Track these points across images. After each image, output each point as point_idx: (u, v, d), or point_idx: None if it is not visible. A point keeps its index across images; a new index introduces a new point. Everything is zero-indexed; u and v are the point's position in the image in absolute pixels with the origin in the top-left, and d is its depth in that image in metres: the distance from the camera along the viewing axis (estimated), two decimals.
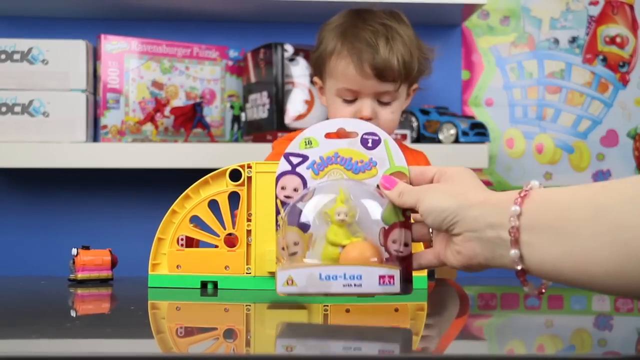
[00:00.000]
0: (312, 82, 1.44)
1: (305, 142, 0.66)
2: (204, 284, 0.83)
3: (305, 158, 0.66)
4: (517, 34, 1.74)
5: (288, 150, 0.66)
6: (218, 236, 0.83)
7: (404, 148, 1.28)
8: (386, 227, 0.63)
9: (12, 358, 0.51)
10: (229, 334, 0.61)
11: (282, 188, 0.66)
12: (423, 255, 0.63)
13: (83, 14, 1.61)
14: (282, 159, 0.66)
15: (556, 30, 1.74)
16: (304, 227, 0.64)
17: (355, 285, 0.61)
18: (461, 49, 1.72)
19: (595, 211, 0.49)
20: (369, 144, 0.65)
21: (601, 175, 1.74)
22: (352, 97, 1.25)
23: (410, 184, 0.64)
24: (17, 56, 1.45)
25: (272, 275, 0.82)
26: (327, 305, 0.74)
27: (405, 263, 0.63)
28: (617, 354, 0.57)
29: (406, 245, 0.63)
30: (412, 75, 1.29)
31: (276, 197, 0.65)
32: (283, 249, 0.64)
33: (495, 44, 1.73)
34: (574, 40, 1.74)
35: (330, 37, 1.29)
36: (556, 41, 1.74)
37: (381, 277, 0.61)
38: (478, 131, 1.51)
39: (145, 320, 0.69)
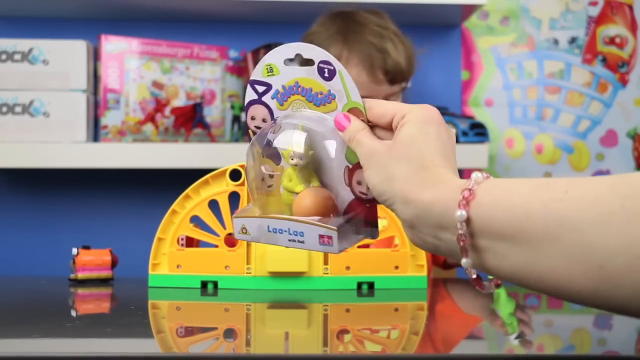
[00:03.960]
0: None
1: (267, 69, 0.61)
2: (204, 284, 0.83)
3: (269, 86, 0.61)
4: (516, 34, 1.74)
5: (252, 77, 0.61)
6: (218, 236, 0.83)
7: None
8: (350, 166, 0.58)
9: (12, 358, 0.51)
10: (229, 334, 0.62)
11: (252, 118, 0.62)
12: None
13: (83, 14, 1.61)
14: (249, 86, 0.62)
15: (556, 31, 1.74)
16: (276, 160, 0.60)
17: (298, 241, 0.58)
18: (461, 50, 1.72)
19: (557, 224, 0.43)
20: (326, 74, 0.59)
21: (600, 176, 1.74)
22: None
23: (368, 121, 0.57)
24: (17, 56, 1.45)
25: (272, 275, 0.82)
26: (327, 305, 0.74)
27: (371, 206, 0.58)
28: (616, 354, 0.57)
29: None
30: (414, 71, 1.31)
31: (247, 127, 0.62)
32: (263, 179, 0.60)
33: (494, 44, 1.73)
34: (573, 40, 1.75)
35: (331, 44, 1.27)
36: (556, 41, 1.74)
37: (321, 236, 0.57)
38: (478, 131, 1.52)
39: (145, 320, 0.69)
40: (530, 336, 0.62)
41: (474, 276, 0.49)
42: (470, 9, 1.57)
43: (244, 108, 0.62)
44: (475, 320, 0.73)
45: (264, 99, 0.61)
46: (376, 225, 0.59)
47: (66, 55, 1.46)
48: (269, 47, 1.50)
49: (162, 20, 1.64)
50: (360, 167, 0.56)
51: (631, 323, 0.72)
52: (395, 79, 1.26)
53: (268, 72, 0.61)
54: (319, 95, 0.59)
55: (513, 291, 0.90)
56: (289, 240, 0.58)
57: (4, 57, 1.45)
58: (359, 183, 0.57)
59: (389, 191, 0.52)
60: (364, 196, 0.57)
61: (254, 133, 0.61)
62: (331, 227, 0.56)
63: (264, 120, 0.61)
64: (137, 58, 1.50)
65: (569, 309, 0.80)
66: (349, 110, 0.58)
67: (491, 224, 0.46)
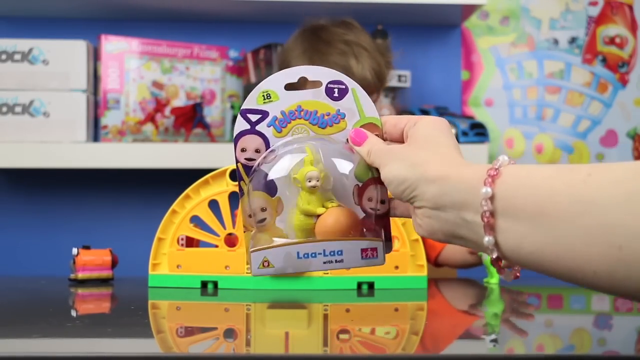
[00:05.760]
0: None
1: (264, 95, 0.58)
2: (204, 284, 0.83)
3: (264, 114, 0.58)
4: (516, 34, 1.74)
5: (244, 106, 0.58)
6: (218, 236, 0.83)
7: None
8: (360, 184, 0.57)
9: (12, 358, 0.51)
10: (229, 334, 0.62)
11: (243, 150, 0.58)
12: (397, 207, 0.58)
13: (83, 14, 1.61)
14: (239, 116, 0.58)
15: (556, 31, 1.74)
16: (271, 191, 0.57)
17: (336, 261, 0.56)
18: (461, 50, 1.72)
19: (579, 204, 0.44)
20: (335, 94, 0.58)
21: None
22: None
23: (383, 137, 0.58)
24: (17, 56, 1.45)
25: (272, 275, 0.82)
26: (327, 305, 0.74)
27: (383, 221, 0.58)
28: (616, 354, 0.57)
29: (382, 202, 0.57)
30: (385, 81, 1.33)
31: (237, 161, 0.58)
32: (250, 216, 0.58)
33: (494, 44, 1.73)
34: (573, 40, 1.75)
35: (298, 64, 1.30)
36: (556, 41, 1.74)
37: (363, 250, 0.56)
38: (478, 131, 1.52)
39: (145, 320, 0.69)
40: (505, 341, 0.62)
41: (495, 256, 0.49)
42: (470, 9, 1.57)
43: (233, 140, 0.59)
44: (474, 320, 0.73)
45: (258, 127, 0.58)
46: (390, 239, 0.59)
47: (66, 55, 1.46)
48: (269, 47, 1.50)
49: (162, 20, 1.64)
50: (371, 184, 0.57)
51: (631, 323, 0.72)
52: None
53: (265, 100, 0.58)
54: (326, 117, 0.58)
55: (513, 291, 0.90)
56: (324, 263, 0.56)
57: (4, 57, 1.45)
58: (370, 200, 0.57)
59: (412, 176, 0.52)
60: (376, 212, 0.57)
61: (244, 166, 0.58)
62: (376, 238, 0.56)
63: (256, 151, 0.58)
64: (137, 58, 1.50)
65: (569, 309, 0.80)
66: (363, 126, 0.58)
67: (515, 203, 0.47)
